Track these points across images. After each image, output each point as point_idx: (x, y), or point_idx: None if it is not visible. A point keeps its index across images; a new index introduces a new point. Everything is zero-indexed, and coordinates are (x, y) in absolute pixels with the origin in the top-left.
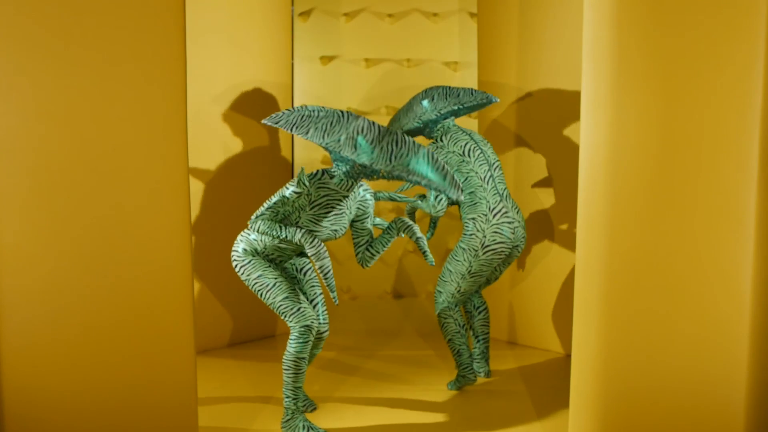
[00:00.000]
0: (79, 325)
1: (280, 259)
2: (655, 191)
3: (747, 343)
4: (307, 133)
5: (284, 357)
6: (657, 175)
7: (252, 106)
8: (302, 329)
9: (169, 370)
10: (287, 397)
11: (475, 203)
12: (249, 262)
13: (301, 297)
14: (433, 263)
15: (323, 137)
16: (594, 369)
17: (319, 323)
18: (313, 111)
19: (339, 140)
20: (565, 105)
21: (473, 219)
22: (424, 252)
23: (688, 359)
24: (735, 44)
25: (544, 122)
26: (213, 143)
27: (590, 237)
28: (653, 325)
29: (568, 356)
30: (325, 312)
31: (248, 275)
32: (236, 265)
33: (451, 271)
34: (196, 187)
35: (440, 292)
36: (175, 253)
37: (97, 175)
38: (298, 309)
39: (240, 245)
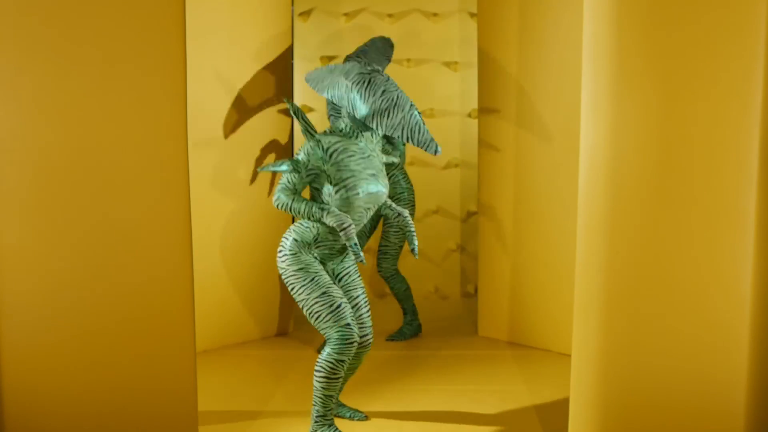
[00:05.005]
0: (79, 326)
1: (329, 255)
2: (655, 191)
3: (747, 343)
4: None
5: (319, 359)
6: (657, 175)
7: (252, 106)
8: (344, 333)
9: (169, 370)
10: (314, 405)
11: None
12: (294, 255)
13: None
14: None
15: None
16: (594, 369)
17: (363, 329)
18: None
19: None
20: (565, 105)
21: None
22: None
23: (688, 359)
24: (735, 44)
25: (544, 122)
26: (213, 143)
27: (590, 237)
28: (653, 325)
29: (568, 356)
30: (369, 316)
31: (291, 269)
32: (282, 252)
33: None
34: (197, 187)
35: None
36: (176, 253)
37: (97, 175)
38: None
39: (290, 236)
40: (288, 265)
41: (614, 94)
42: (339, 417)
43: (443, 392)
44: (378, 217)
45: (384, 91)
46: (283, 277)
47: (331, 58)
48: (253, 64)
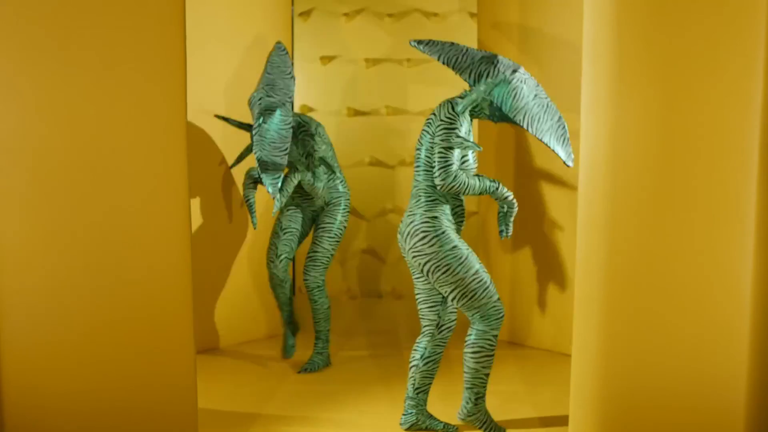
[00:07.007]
0: (78, 325)
1: (458, 229)
2: (655, 191)
3: (747, 343)
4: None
5: (471, 339)
6: (657, 175)
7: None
8: (499, 308)
9: (169, 370)
10: (472, 387)
11: None
12: (444, 233)
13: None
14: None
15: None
16: (594, 369)
17: (449, 315)
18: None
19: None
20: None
21: None
22: (508, 224)
23: (688, 359)
24: (735, 44)
25: None
26: (213, 143)
27: (590, 237)
28: (653, 325)
29: (568, 356)
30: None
31: (444, 249)
32: (428, 237)
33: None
34: (196, 187)
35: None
36: (175, 253)
37: (97, 175)
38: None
39: (427, 216)
40: (440, 247)
41: (614, 94)
42: (431, 429)
43: (443, 392)
44: (312, 221)
45: (536, 96)
46: (430, 263)
47: (331, 58)
48: (253, 64)
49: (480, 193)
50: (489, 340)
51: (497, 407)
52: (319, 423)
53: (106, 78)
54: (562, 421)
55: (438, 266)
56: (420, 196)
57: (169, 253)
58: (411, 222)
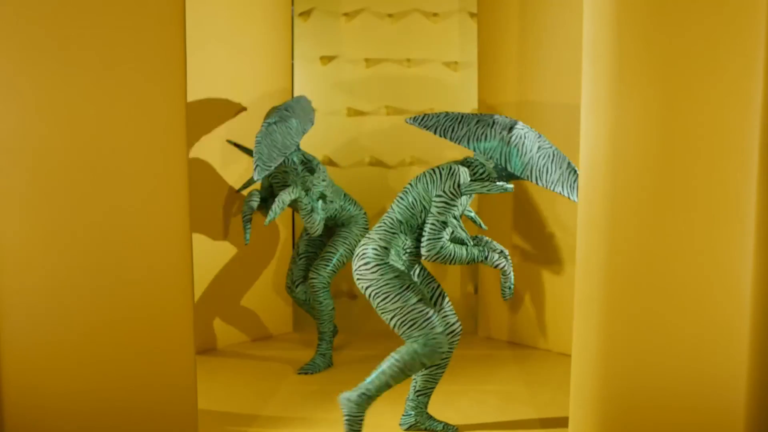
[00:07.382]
0: (78, 325)
1: (410, 264)
2: (655, 191)
3: (747, 343)
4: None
5: (401, 351)
6: (657, 175)
7: (252, 106)
8: (439, 341)
9: (169, 370)
10: (369, 383)
11: None
12: (386, 264)
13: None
14: (507, 297)
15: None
16: (594, 369)
17: (450, 317)
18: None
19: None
20: (565, 105)
21: None
22: (504, 290)
23: (688, 359)
24: (735, 44)
25: (544, 122)
26: (213, 143)
27: (590, 237)
28: (653, 325)
29: (568, 356)
30: (450, 304)
31: (384, 278)
32: (371, 263)
33: None
34: (196, 187)
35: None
36: (175, 253)
37: (97, 175)
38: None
39: (375, 244)
40: (381, 275)
41: (614, 94)
42: (430, 430)
43: (443, 392)
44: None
45: (539, 148)
46: (371, 288)
47: (331, 58)
48: (253, 64)
49: (468, 263)
50: (414, 361)
51: (497, 407)
52: (318, 423)
53: (106, 78)
54: (562, 421)
55: (378, 292)
56: (384, 223)
57: (169, 253)
58: (363, 245)
